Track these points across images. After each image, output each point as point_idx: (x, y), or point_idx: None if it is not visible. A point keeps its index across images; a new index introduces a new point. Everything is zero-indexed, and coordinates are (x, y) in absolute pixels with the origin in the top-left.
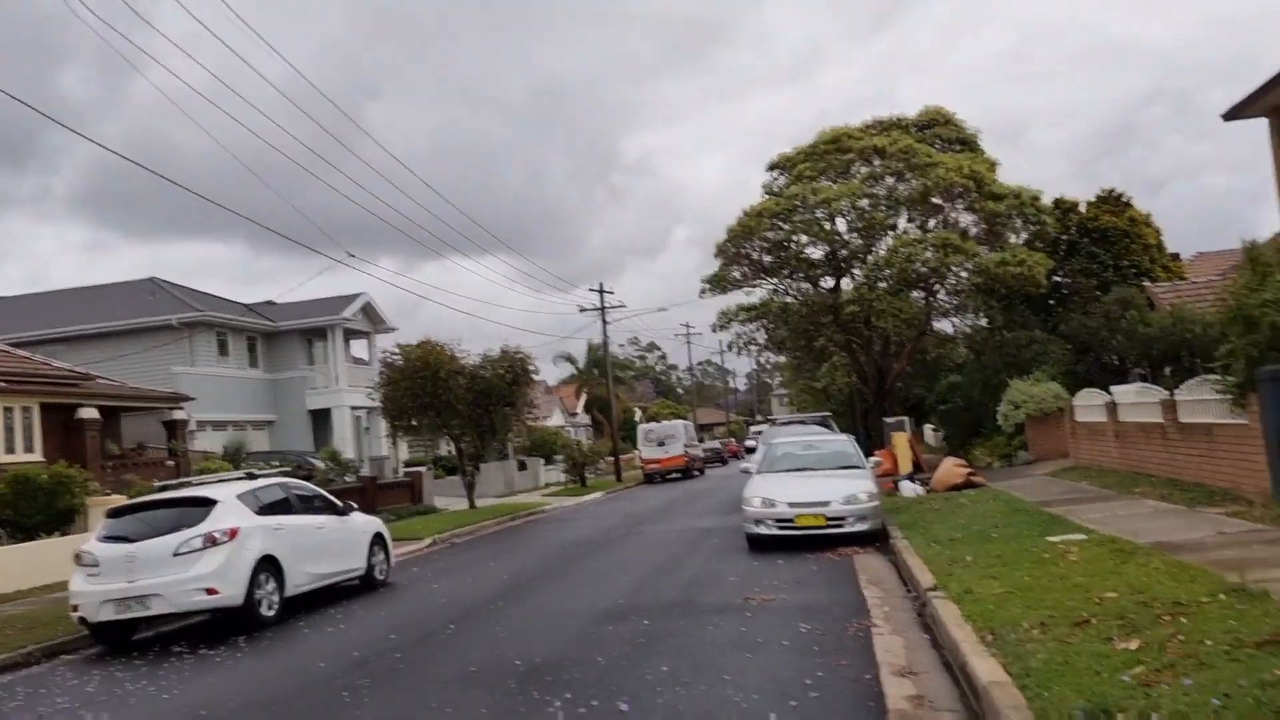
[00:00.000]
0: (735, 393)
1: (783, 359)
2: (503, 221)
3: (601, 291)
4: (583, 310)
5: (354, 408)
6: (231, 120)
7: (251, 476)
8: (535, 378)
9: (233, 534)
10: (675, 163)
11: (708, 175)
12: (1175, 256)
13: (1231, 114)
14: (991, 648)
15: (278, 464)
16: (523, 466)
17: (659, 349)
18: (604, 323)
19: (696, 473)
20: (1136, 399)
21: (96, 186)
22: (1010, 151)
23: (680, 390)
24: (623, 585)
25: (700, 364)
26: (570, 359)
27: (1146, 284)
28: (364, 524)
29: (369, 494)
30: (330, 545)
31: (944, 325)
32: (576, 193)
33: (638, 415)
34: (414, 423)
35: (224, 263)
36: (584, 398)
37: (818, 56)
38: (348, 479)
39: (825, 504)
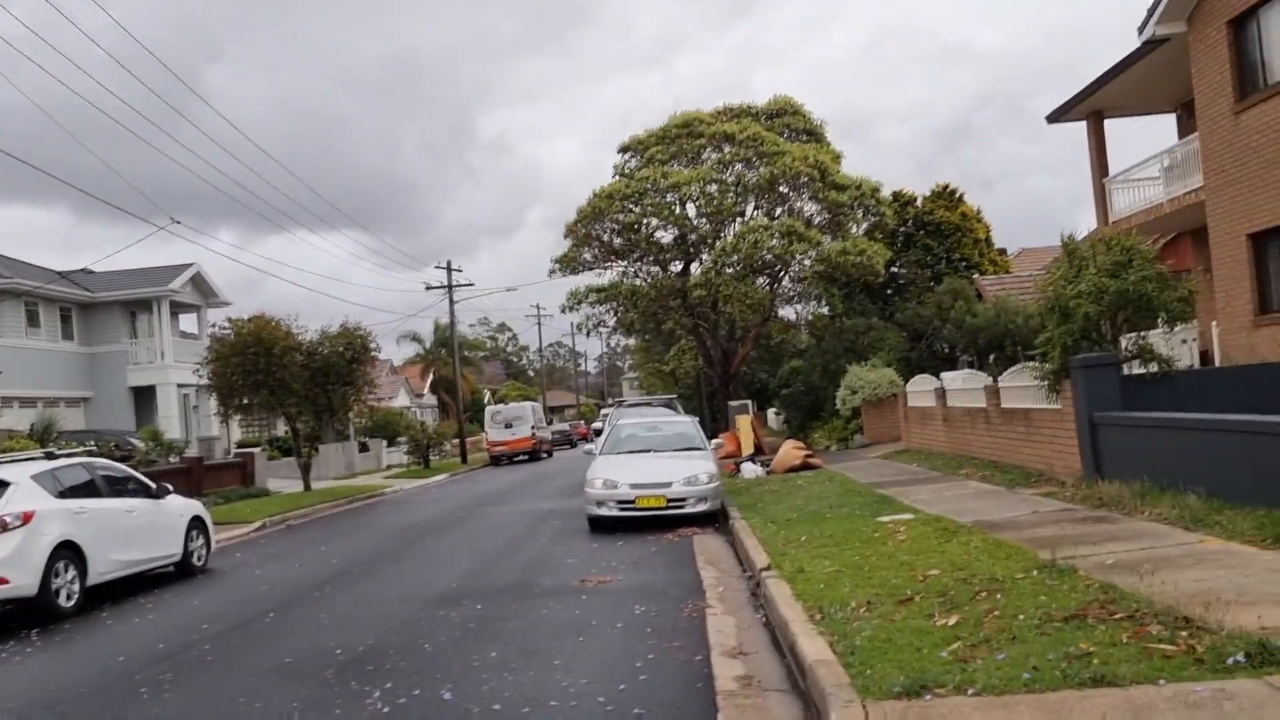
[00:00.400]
0: (587, 375)
1: (633, 342)
2: (352, 196)
3: (449, 269)
4: (429, 288)
5: (181, 385)
6: (50, 76)
7: (51, 456)
8: (377, 356)
9: (26, 518)
10: (532, 142)
11: (565, 157)
12: (1002, 251)
13: (1054, 116)
14: (820, 626)
15: (92, 443)
16: (364, 448)
17: (510, 330)
18: (451, 301)
19: (544, 455)
20: (963, 385)
21: None
22: (857, 147)
23: (531, 372)
24: (459, 569)
25: (551, 346)
26: (417, 338)
27: (976, 276)
28: (180, 507)
29: (195, 476)
30: (141, 530)
31: (788, 312)
32: (430, 169)
33: (487, 397)
34: (245, 401)
35: (45, 229)
36: (430, 378)
37: (676, 43)
38: (172, 460)
39: (667, 485)
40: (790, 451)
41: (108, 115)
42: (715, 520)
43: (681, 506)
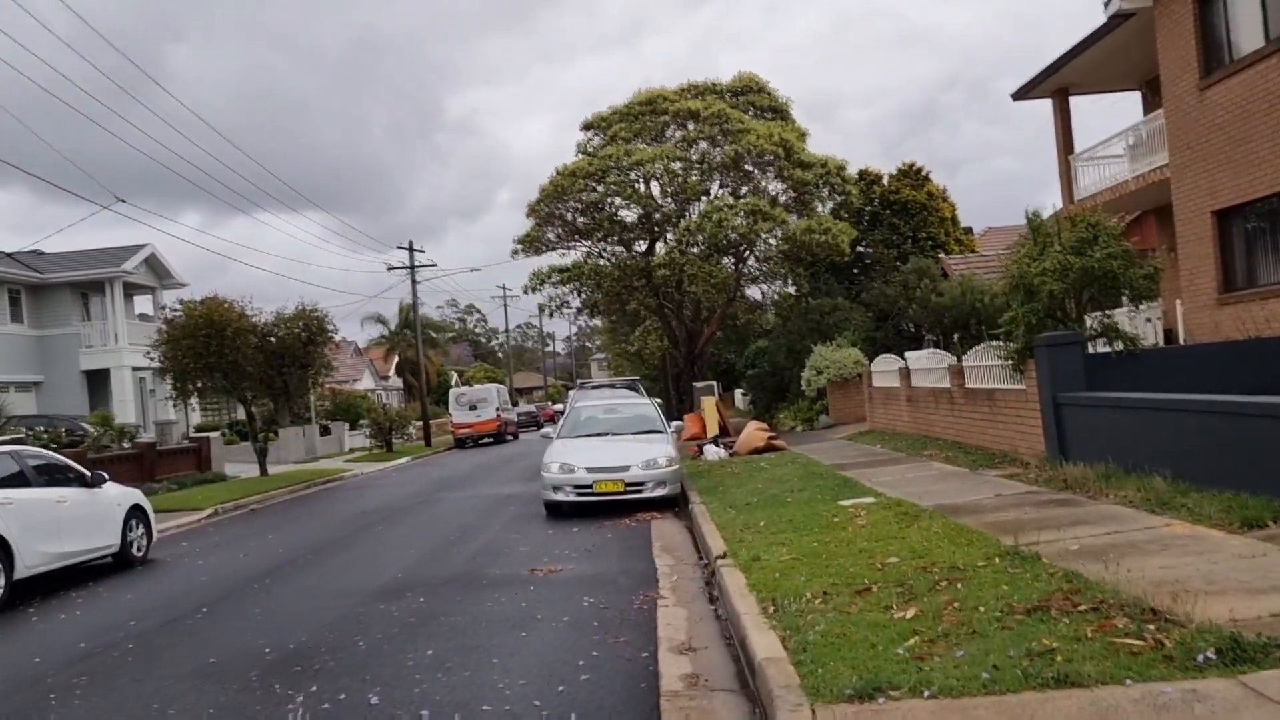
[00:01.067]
0: (555, 356)
1: (599, 323)
2: (317, 178)
3: (411, 249)
4: (391, 269)
5: (136, 368)
6: (7, 60)
7: None
8: (335, 338)
9: None
10: (500, 123)
11: (532, 138)
12: (969, 230)
13: (1020, 94)
14: (772, 619)
15: (42, 429)
16: (326, 431)
17: (478, 312)
18: (413, 282)
19: (510, 437)
20: (928, 365)
21: None
22: (825, 129)
23: (500, 354)
24: (407, 558)
25: (519, 327)
26: (381, 320)
27: (942, 255)
28: (118, 496)
29: (147, 462)
30: (73, 521)
31: (754, 292)
32: (396, 150)
33: (454, 378)
34: (199, 385)
35: (4, 211)
36: (396, 360)
37: (643, 25)
38: (124, 446)
39: (625, 469)
40: (753, 433)
41: (59, 100)
42: (675, 504)
43: (640, 491)
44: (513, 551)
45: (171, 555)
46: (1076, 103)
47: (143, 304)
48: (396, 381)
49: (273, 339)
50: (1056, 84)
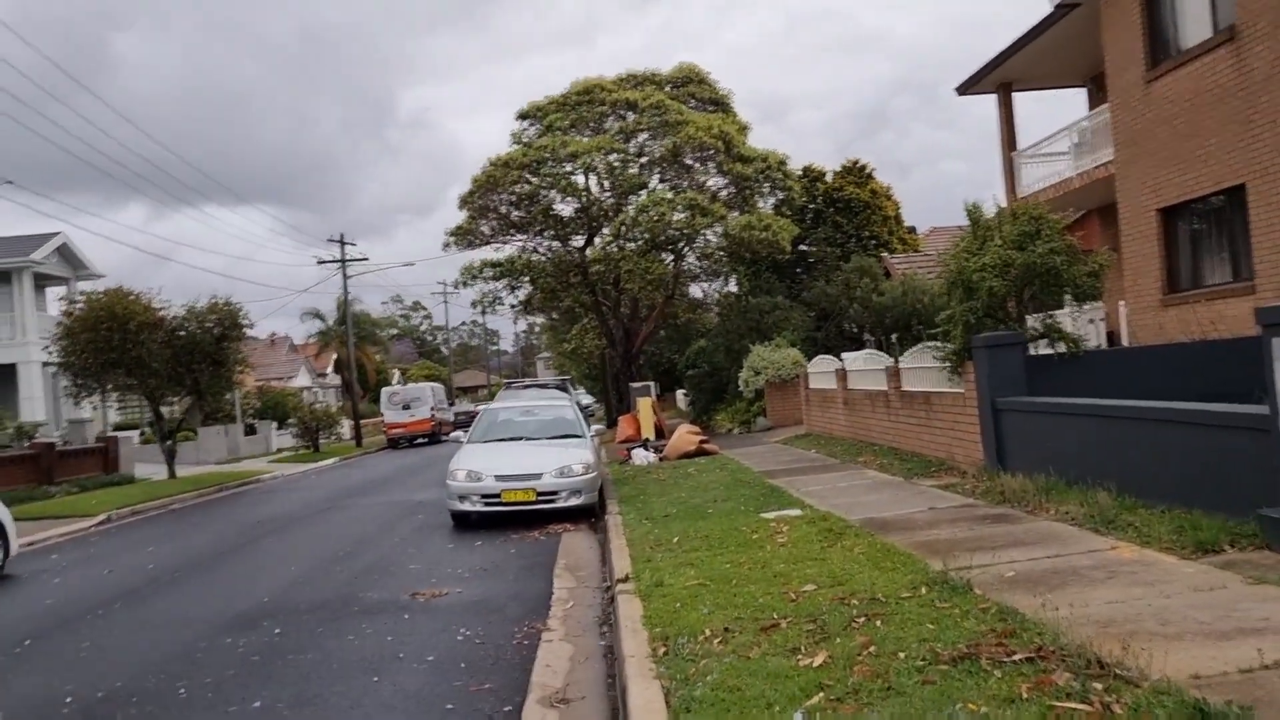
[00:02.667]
0: (501, 355)
1: (540, 320)
2: (266, 173)
3: (343, 243)
4: (321, 263)
5: (47, 364)
6: None
7: None
8: (249, 332)
9: None
10: (452, 120)
11: (485, 134)
12: (912, 230)
13: (964, 88)
14: (661, 664)
15: None
16: (251, 430)
17: (424, 309)
18: (344, 276)
19: (445, 438)
20: (864, 366)
21: None
22: (777, 129)
23: (445, 351)
24: (283, 578)
25: (467, 324)
26: (318, 315)
27: (885, 255)
28: None
29: (45, 463)
30: None
31: (696, 290)
32: (347, 145)
33: (396, 376)
34: (98, 382)
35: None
36: (334, 357)
37: (594, 23)
38: (21, 445)
39: (536, 477)
40: (685, 437)
41: None
42: (592, 514)
43: (553, 501)
44: (401, 571)
45: (32, 570)
46: (1021, 99)
47: (56, 296)
48: (335, 379)
49: (183, 333)
50: (1001, 78)
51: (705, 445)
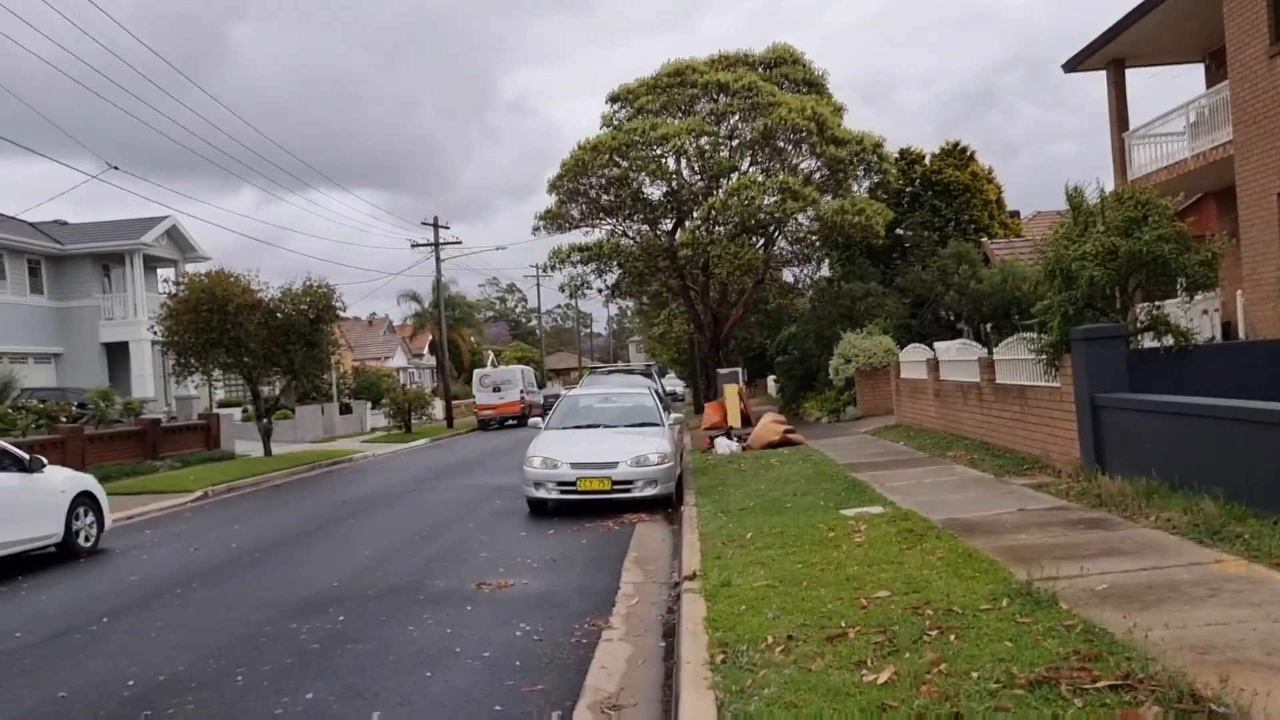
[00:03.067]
0: (593, 338)
1: (630, 304)
2: (370, 157)
3: (436, 226)
4: (415, 246)
5: (156, 342)
6: (47, 40)
7: None
8: (343, 314)
9: None
10: (551, 104)
11: (582, 118)
12: (1015, 214)
13: (1071, 65)
14: (718, 673)
15: (40, 401)
16: (347, 410)
17: (519, 291)
18: (437, 259)
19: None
20: (957, 356)
21: None
22: (878, 111)
23: (540, 333)
24: (356, 561)
25: (561, 307)
26: (415, 297)
27: (984, 239)
28: (61, 482)
29: (150, 439)
30: (5, 508)
31: (789, 275)
32: (448, 129)
33: (490, 358)
34: (201, 361)
35: (70, 184)
36: (430, 338)
37: (695, 6)
38: (126, 422)
39: (612, 466)
40: (769, 426)
41: (113, 81)
42: (668, 505)
43: (628, 490)
44: (471, 558)
45: (125, 546)
46: (1133, 77)
47: (166, 277)
48: (430, 359)
49: (278, 315)
50: (1112, 54)
51: (790, 435)
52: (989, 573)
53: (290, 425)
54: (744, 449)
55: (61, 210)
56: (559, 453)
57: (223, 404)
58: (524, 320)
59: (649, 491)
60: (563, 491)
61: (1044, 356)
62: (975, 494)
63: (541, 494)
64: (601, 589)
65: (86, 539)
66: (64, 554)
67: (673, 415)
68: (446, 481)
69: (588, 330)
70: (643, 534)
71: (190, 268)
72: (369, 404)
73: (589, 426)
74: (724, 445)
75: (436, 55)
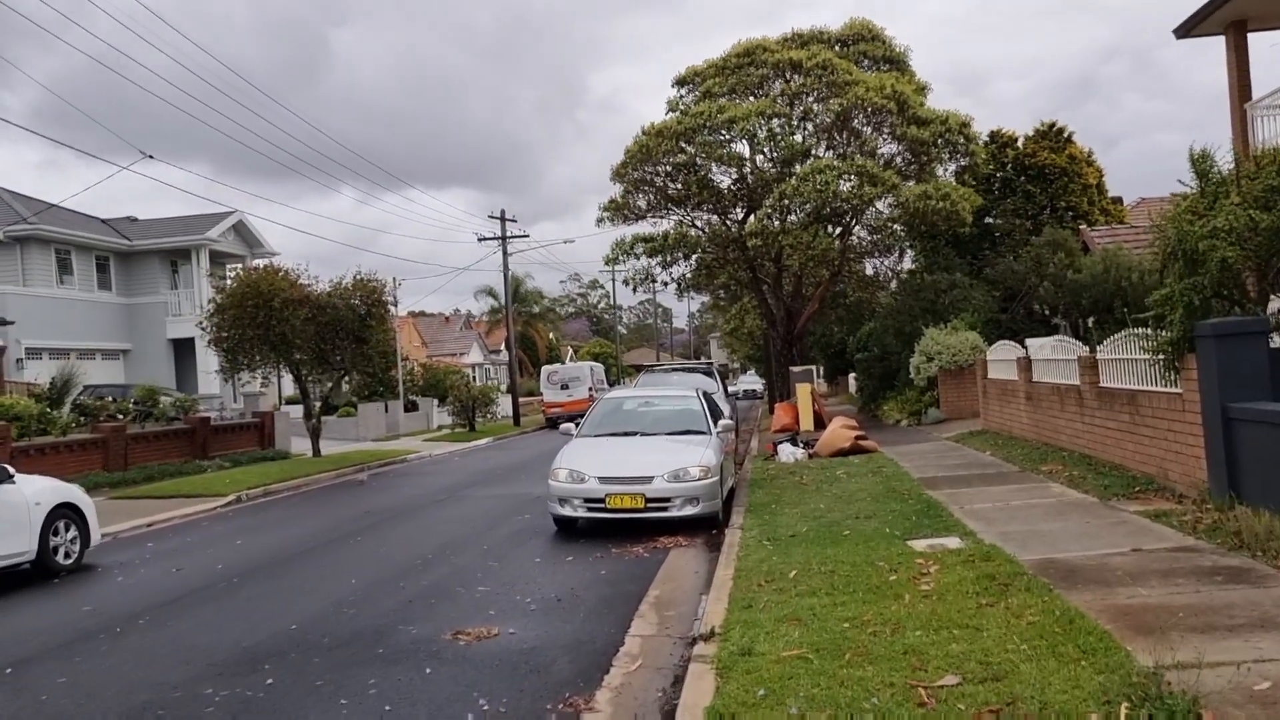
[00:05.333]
0: (679, 333)
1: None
2: (462, 156)
3: (503, 220)
4: (481, 239)
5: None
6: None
7: None
8: (394, 310)
9: None
10: (640, 100)
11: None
12: (1117, 200)
13: (1184, 29)
14: None
15: (110, 398)
16: (413, 407)
17: (601, 286)
18: (504, 253)
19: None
20: (1052, 355)
21: (55, 104)
22: (972, 103)
23: (623, 329)
24: (334, 594)
25: (643, 303)
26: (491, 293)
27: (1083, 227)
28: (35, 493)
29: (200, 438)
30: None
31: (869, 267)
32: (540, 128)
33: (568, 354)
34: (248, 359)
35: (188, 185)
36: (507, 334)
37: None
38: (175, 419)
39: (646, 480)
40: (838, 432)
41: (218, 89)
42: (713, 525)
43: (665, 509)
44: (465, 594)
45: (114, 563)
46: (1257, 41)
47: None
48: (506, 355)
49: (327, 310)
50: (1231, 15)
51: (861, 442)
52: (1099, 652)
53: (352, 423)
54: (810, 456)
55: (168, 211)
56: (587, 465)
57: (289, 401)
58: (605, 316)
59: (688, 511)
60: (590, 509)
61: (1161, 356)
62: (1076, 524)
63: (567, 511)
64: (601, 645)
65: (66, 556)
66: (40, 572)
67: (721, 422)
68: (483, 490)
69: (667, 326)
70: (674, 564)
71: (260, 264)
72: (435, 401)
73: (624, 434)
74: (787, 453)
75: (530, 55)
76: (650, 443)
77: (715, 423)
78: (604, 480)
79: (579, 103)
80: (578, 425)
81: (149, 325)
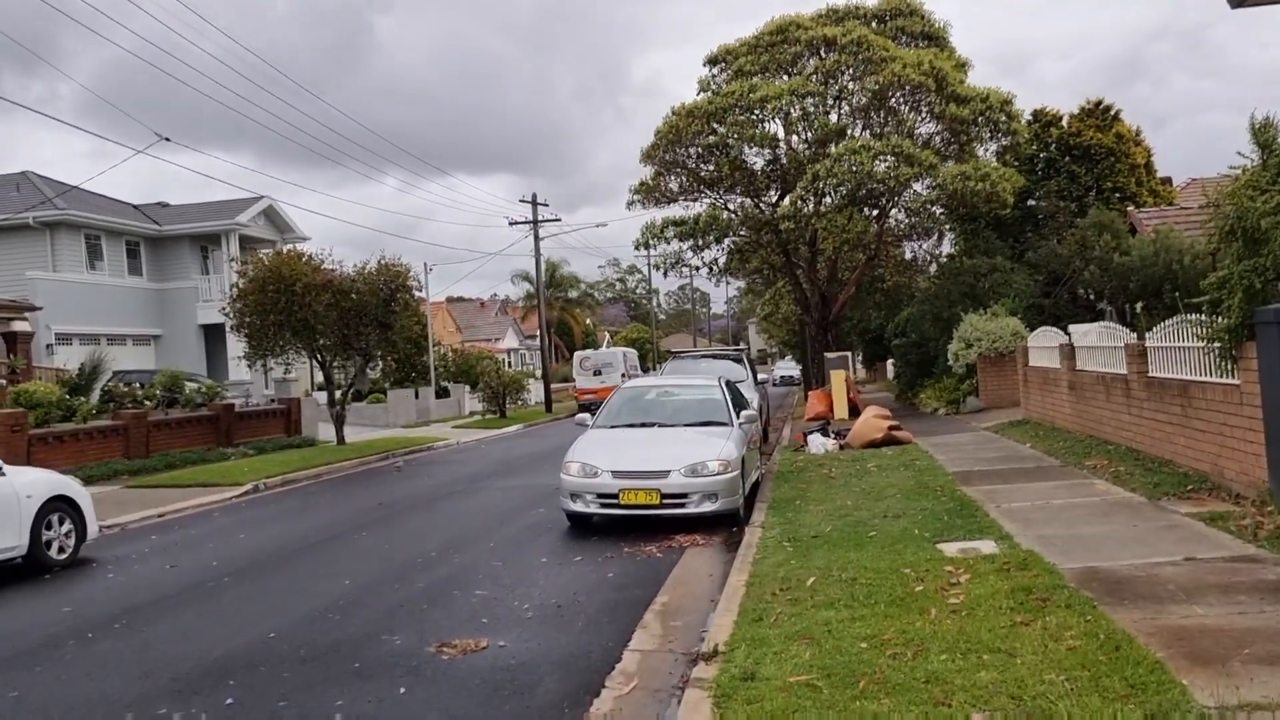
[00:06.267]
0: (717, 319)
1: (742, 283)
2: (504, 142)
3: (535, 204)
4: (512, 224)
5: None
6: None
7: None
8: (419, 294)
9: None
10: (682, 85)
11: None
12: (1166, 181)
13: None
14: None
15: (137, 384)
16: (445, 393)
17: (640, 271)
18: (536, 238)
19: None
20: (1097, 342)
21: (105, 90)
22: (1015, 84)
23: (662, 315)
24: (324, 597)
25: (681, 287)
26: (528, 278)
27: (1131, 208)
28: (26, 485)
29: (223, 425)
30: None
31: (908, 251)
32: (582, 113)
33: (606, 339)
34: (271, 345)
35: (228, 173)
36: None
37: None
38: (198, 406)
39: (662, 475)
40: (871, 422)
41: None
42: (734, 521)
43: (682, 505)
44: (461, 598)
45: (112, 556)
46: None
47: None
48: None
49: (351, 295)
50: None
51: (895, 433)
52: (1150, 687)
53: (382, 409)
54: (841, 448)
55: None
56: (601, 458)
57: (320, 387)
58: (644, 301)
59: (706, 507)
60: (603, 505)
61: (1217, 344)
62: (1122, 527)
63: (579, 507)
64: (596, 660)
65: (60, 550)
66: (32, 568)
67: (744, 412)
68: (503, 480)
69: (705, 310)
70: (688, 565)
71: (288, 248)
72: (467, 387)
73: (642, 425)
74: (817, 443)
75: (571, 40)
76: (668, 435)
77: (738, 413)
78: (617, 475)
79: (620, 88)
80: (594, 416)
81: (179, 311)
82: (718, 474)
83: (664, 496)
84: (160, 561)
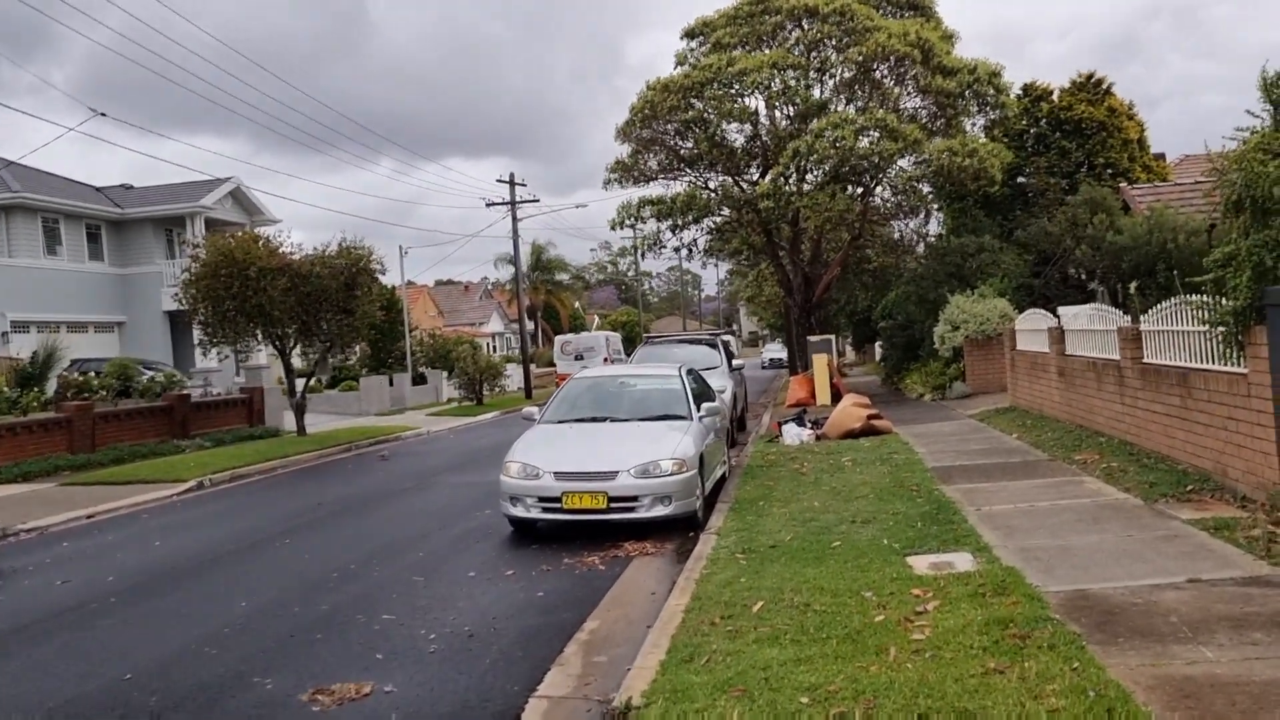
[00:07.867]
0: (709, 301)
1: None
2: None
3: (512, 184)
4: (489, 204)
5: (181, 312)
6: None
7: None
8: (382, 278)
9: None
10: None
11: None
12: (1160, 157)
13: None
14: None
15: (92, 373)
16: (421, 380)
17: (631, 254)
18: (514, 218)
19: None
20: (1088, 325)
21: (97, 77)
22: (1012, 63)
23: (655, 298)
24: (210, 623)
25: (673, 269)
26: (512, 261)
27: (1123, 185)
28: None
29: (178, 416)
30: None
31: (895, 230)
32: (578, 96)
33: (595, 322)
34: (227, 331)
35: (204, 161)
36: (527, 302)
37: None
38: (157, 395)
39: (609, 477)
40: (849, 411)
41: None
42: (691, 525)
43: (631, 509)
44: (365, 624)
45: (6, 569)
46: None
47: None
48: (528, 325)
49: (311, 279)
50: None
51: (875, 422)
52: None
53: (354, 397)
54: (818, 438)
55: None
56: (543, 458)
57: (301, 374)
58: (635, 284)
59: (658, 511)
60: (545, 510)
61: (1221, 328)
62: (1115, 536)
63: (520, 512)
64: (495, 709)
65: None
66: None
67: (706, 405)
68: (457, 476)
69: (697, 293)
70: (630, 580)
71: (261, 232)
72: (444, 373)
73: (592, 420)
74: (792, 434)
75: (566, 21)
76: (620, 430)
77: (699, 406)
78: (560, 476)
79: (617, 70)
80: (542, 411)
81: (144, 296)
82: (671, 474)
83: (611, 500)
84: (56, 575)
